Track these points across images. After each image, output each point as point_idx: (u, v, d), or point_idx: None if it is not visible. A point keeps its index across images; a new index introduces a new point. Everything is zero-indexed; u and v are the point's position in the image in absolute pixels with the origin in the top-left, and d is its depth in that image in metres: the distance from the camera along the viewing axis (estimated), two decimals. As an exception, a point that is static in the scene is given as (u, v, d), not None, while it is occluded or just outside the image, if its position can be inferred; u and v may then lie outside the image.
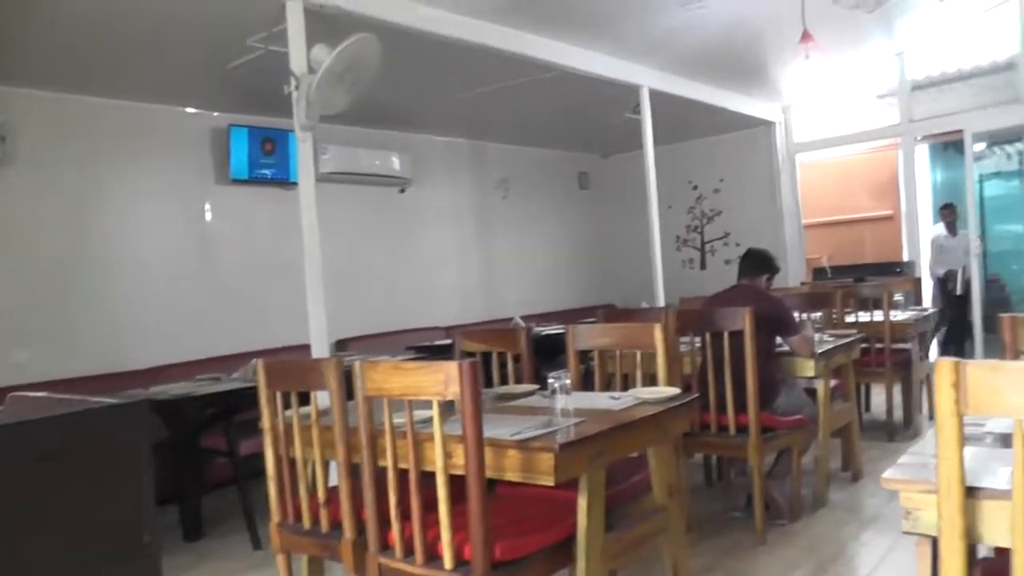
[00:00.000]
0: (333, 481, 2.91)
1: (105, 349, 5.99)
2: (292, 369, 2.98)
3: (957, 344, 8.80)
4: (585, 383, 4.08)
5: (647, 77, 7.37)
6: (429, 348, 6.62)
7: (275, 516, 3.11)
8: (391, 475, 2.55)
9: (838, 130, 9.84)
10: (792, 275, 9.65)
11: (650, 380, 3.53)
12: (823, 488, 4.75)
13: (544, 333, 6.60)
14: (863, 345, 5.70)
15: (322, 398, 2.97)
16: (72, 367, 5.72)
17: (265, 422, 3.06)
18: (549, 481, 2.43)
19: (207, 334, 6.56)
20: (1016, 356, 2.74)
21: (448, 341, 6.01)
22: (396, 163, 7.96)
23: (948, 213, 9.07)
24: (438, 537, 2.47)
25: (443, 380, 2.38)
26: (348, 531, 2.80)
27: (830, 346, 4.75)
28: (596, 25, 6.28)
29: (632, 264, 10.20)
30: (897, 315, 6.38)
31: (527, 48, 6.09)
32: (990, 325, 7.69)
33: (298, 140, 4.57)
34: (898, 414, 6.40)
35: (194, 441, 4.89)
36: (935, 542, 1.77)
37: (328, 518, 2.92)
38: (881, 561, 3.87)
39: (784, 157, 9.97)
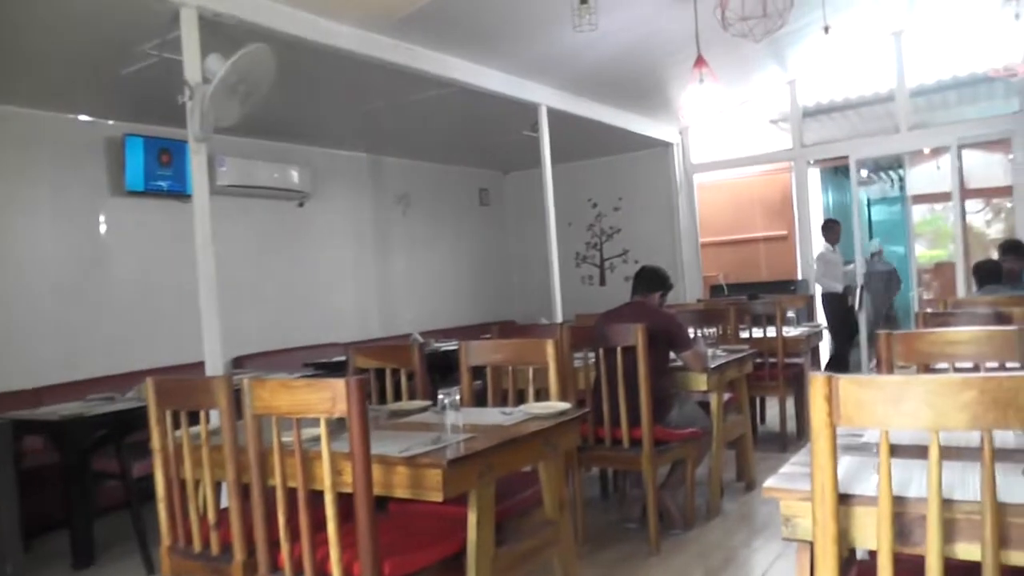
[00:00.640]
0: (226, 503, 2.84)
1: (-11, 369, 5.73)
2: (182, 388, 2.89)
3: (844, 358, 9.10)
4: (479, 399, 4.09)
5: (545, 96, 7.45)
6: (326, 365, 6.55)
7: (165, 540, 3.01)
8: (280, 494, 2.51)
9: (734, 152, 10.15)
10: (689, 292, 9.88)
11: (543, 395, 3.56)
12: (717, 498, 4.87)
13: (442, 350, 6.60)
14: (757, 360, 5.88)
15: (214, 417, 2.90)
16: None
17: (155, 442, 2.96)
18: (437, 497, 2.42)
19: (102, 352, 6.33)
20: (891, 371, 2.86)
21: (345, 358, 5.96)
22: (295, 176, 7.86)
23: (830, 228, 9.34)
24: (328, 556, 2.43)
25: (331, 398, 2.35)
26: (238, 553, 2.73)
27: (723, 361, 4.88)
28: (494, 42, 6.33)
29: (532, 280, 10.30)
30: (790, 331, 6.61)
31: (425, 63, 6.10)
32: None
33: (192, 152, 4.47)
34: (792, 426, 6.59)
35: (85, 463, 4.70)
36: (813, 547, 1.83)
37: (219, 540, 2.84)
38: (770, 566, 4.00)
39: (681, 177, 10.21)
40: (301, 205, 8.13)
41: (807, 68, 9.07)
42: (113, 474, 4.71)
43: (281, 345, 7.67)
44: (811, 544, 1.81)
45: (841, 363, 8.92)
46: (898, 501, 1.78)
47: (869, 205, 13.47)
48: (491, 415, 3.12)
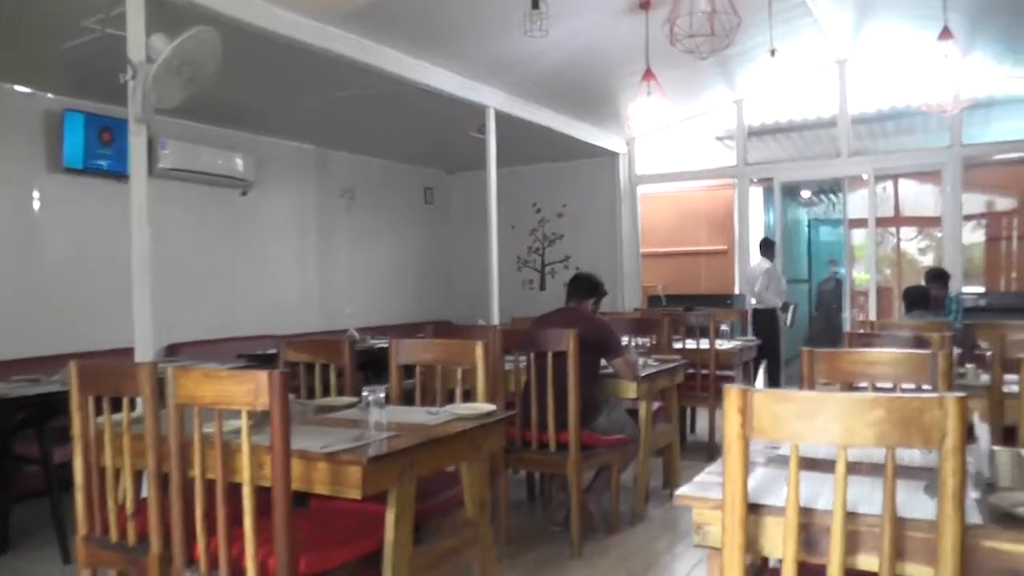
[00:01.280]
0: (146, 493, 2.79)
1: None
2: (106, 373, 2.82)
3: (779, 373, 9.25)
4: (409, 398, 4.09)
5: (494, 99, 7.49)
6: (261, 357, 6.47)
7: (82, 528, 2.95)
8: (199, 487, 2.48)
9: (680, 166, 10.29)
10: (628, 301, 9.99)
11: (472, 397, 3.57)
12: (641, 504, 4.94)
13: (377, 347, 6.57)
14: (689, 371, 5.97)
15: (139, 405, 2.85)
16: None
17: (75, 429, 2.89)
18: (356, 494, 2.42)
19: (31, 333, 6.14)
20: (813, 387, 2.93)
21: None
22: (239, 164, 7.76)
23: (770, 246, 9.49)
24: (244, 551, 2.41)
25: (254, 390, 2.32)
26: (155, 545, 2.68)
27: (654, 370, 4.95)
28: (446, 42, 6.34)
29: (473, 281, 10.31)
30: (723, 344, 6.72)
31: (376, 59, 6.07)
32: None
33: (131, 132, 4.39)
34: (720, 436, 6.66)
35: (5, 447, 4.58)
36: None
37: (136, 531, 2.79)
38: (690, 571, 4.09)
39: (626, 187, 10.33)
40: (244, 194, 8.03)
41: (754, 89, 9.25)
42: (34, 459, 4.60)
43: (218, 335, 7.56)
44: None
45: (777, 377, 9.08)
46: (806, 512, 1.84)
47: (811, 226, 13.74)
48: (417, 414, 3.13)
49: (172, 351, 6.97)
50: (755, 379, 2.78)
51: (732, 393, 1.73)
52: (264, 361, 6.18)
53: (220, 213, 7.86)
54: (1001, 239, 10.41)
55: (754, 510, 1.88)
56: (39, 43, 5.43)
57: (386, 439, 2.65)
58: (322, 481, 2.50)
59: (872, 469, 2.13)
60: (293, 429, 2.35)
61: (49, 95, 6.41)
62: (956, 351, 4.40)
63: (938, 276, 6.51)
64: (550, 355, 4.24)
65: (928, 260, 12.01)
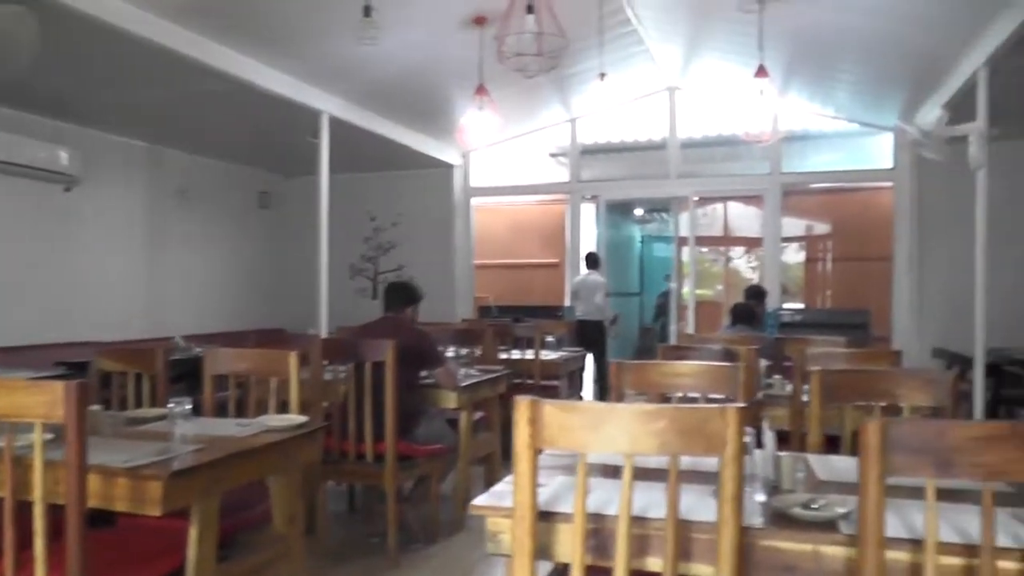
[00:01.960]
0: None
1: None
2: None
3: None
4: (224, 410, 3.98)
5: (329, 104, 7.39)
6: (80, 365, 6.12)
7: None
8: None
9: (515, 180, 10.48)
10: (460, 312, 10.05)
11: (287, 408, 3.51)
12: (461, 513, 4.96)
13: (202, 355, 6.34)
14: (515, 381, 6.06)
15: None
16: None
17: None
18: (156, 511, 2.32)
19: None
20: (622, 398, 3.04)
21: (93, 359, 5.61)
22: (64, 158, 7.23)
23: (597, 259, 9.77)
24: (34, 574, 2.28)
25: (49, 402, 2.21)
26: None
27: (475, 380, 5.00)
28: (281, 44, 6.22)
29: (307, 289, 10.09)
30: (549, 355, 6.86)
31: (209, 56, 5.89)
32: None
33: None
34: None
35: None
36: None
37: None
38: (506, 580, 4.12)
39: (461, 199, 10.43)
40: (68, 190, 7.51)
41: (588, 109, 9.54)
42: None
43: (36, 340, 7.09)
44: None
45: (607, 387, 9.32)
46: (598, 518, 1.92)
47: (644, 242, 14.24)
48: (227, 427, 3.04)
49: (-22, 357, 6.51)
50: (581, 389, 2.86)
51: (522, 405, 1.78)
52: (82, 369, 5.85)
53: (40, 209, 7.38)
54: (818, 260, 11.08)
55: (547, 517, 1.95)
56: None
57: (191, 452, 2.57)
58: (122, 497, 2.39)
59: (664, 475, 2.23)
60: (98, 443, 2.26)
61: None
62: (765, 363, 4.69)
63: (756, 293, 6.87)
64: (369, 365, 4.22)
65: (756, 278, 12.67)
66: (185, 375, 5.77)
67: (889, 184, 9.30)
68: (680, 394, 3.17)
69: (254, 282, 10.31)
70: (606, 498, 1.99)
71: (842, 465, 2.52)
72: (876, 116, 8.91)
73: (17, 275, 7.15)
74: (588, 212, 10.52)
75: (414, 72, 7.22)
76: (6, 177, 6.91)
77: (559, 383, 6.75)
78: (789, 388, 4.18)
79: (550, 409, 1.78)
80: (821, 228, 11.04)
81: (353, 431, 4.30)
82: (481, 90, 6.41)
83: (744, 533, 1.86)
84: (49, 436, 2.35)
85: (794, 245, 11.20)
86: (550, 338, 7.30)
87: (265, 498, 3.13)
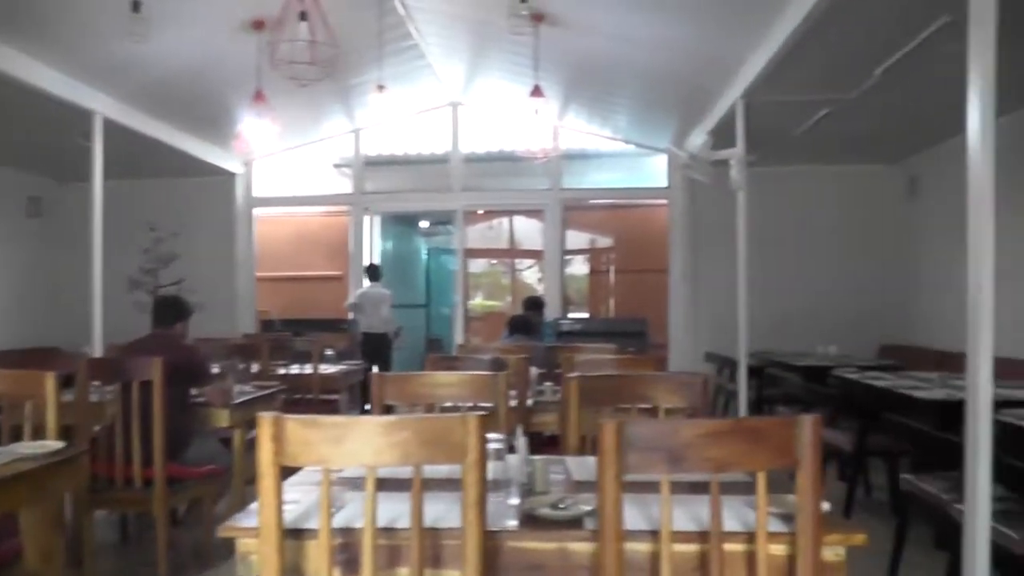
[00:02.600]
0: None
1: None
2: None
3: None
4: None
5: (102, 104, 6.96)
6: None
7: None
8: None
9: (299, 190, 10.29)
10: (242, 326, 9.74)
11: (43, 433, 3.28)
12: (236, 536, 4.81)
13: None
14: (295, 396, 5.95)
15: None
16: None
17: None
18: None
19: None
20: (382, 410, 3.05)
21: None
22: None
23: (377, 270, 9.78)
24: None
25: None
26: None
27: (249, 397, 4.87)
28: (49, 37, 5.79)
29: (83, 304, 9.46)
30: (328, 368, 6.75)
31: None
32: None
33: None
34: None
35: None
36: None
37: None
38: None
39: (243, 209, 10.13)
40: None
41: (372, 120, 9.51)
42: None
43: None
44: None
45: None
46: (348, 532, 1.92)
47: (430, 255, 14.31)
48: (-34, 456, 2.81)
49: None
50: (366, 403, 2.85)
51: (264, 422, 1.76)
52: None
53: None
54: (601, 272, 11.57)
55: (297, 535, 1.94)
56: None
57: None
58: None
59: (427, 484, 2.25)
60: None
61: None
62: (537, 371, 4.83)
63: (533, 304, 7.09)
64: (136, 385, 4.02)
65: (542, 289, 13.04)
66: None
67: (664, 201, 9.90)
68: (451, 404, 3.22)
69: (24, 297, 9.53)
70: (360, 512, 1.99)
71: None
72: (651, 138, 9.45)
73: None
74: (374, 224, 10.50)
75: (192, 75, 6.95)
76: None
77: (339, 397, 6.66)
78: (560, 394, 4.32)
79: (293, 425, 1.77)
80: (604, 242, 11.56)
81: (120, 455, 4.06)
82: (259, 97, 6.26)
83: (492, 536, 1.92)
84: None
85: (580, 257, 11.66)
86: (330, 351, 7.19)
87: (12, 533, 2.90)
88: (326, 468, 1.77)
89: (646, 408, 3.13)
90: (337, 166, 10.41)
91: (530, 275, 13.87)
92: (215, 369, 4.91)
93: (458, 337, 9.92)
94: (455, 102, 9.66)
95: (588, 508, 2.02)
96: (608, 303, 11.43)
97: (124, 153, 7.51)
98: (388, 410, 3.11)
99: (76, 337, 9.09)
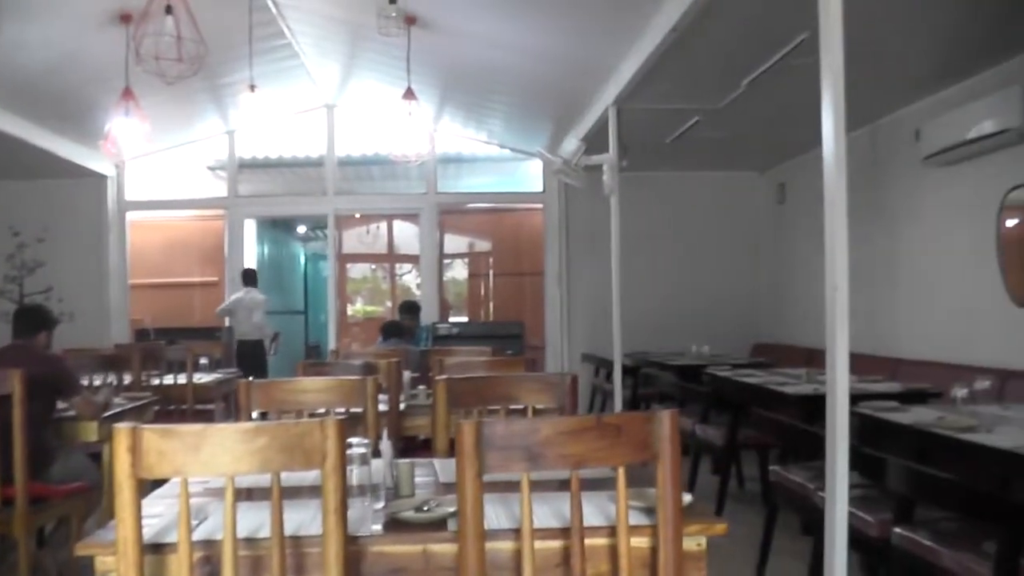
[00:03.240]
0: None
1: None
2: None
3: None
4: None
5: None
6: None
7: None
8: None
9: (171, 193, 10.00)
10: (115, 335, 9.39)
11: None
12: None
13: None
14: (169, 407, 5.79)
15: None
16: None
17: None
18: None
19: None
20: (249, 418, 3.02)
21: None
22: None
23: (253, 275, 9.58)
24: None
25: None
26: None
27: (119, 409, 4.71)
28: None
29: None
30: (202, 377, 6.60)
31: None
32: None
33: None
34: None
35: None
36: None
37: None
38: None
39: (114, 213, 9.75)
40: None
41: (246, 122, 9.31)
42: None
43: None
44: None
45: None
46: (210, 544, 1.90)
47: (307, 261, 14.13)
48: None
49: None
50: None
51: (120, 433, 1.72)
52: None
53: None
54: (480, 276, 11.64)
55: (157, 549, 1.91)
56: None
57: None
58: None
59: (295, 492, 2.26)
60: None
61: None
62: (411, 375, 4.84)
63: (408, 308, 7.10)
64: (-7, 400, 3.83)
65: (421, 294, 13.05)
66: None
67: (540, 206, 10.05)
68: (323, 410, 3.21)
69: None
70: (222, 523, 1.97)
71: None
72: (526, 143, 9.57)
73: None
74: (249, 228, 10.30)
75: (55, 69, 6.65)
76: None
77: (214, 407, 6.52)
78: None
79: (149, 435, 1.73)
80: (482, 246, 11.64)
81: (-23, 475, 3.87)
82: (128, 94, 6.03)
83: (354, 541, 1.93)
84: None
85: (459, 261, 11.71)
86: (204, 360, 7.02)
87: None
88: (184, 479, 1.74)
89: (517, 409, 3.18)
90: (211, 168, 10.15)
91: (410, 279, 13.87)
92: (96, 382, 4.74)
93: (332, 343, 9.81)
94: (329, 104, 9.56)
95: (452, 509, 2.03)
96: (487, 307, 11.52)
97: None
98: (264, 419, 3.08)
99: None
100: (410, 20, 5.83)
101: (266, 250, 11.63)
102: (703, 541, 2.04)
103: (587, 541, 1.88)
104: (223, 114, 9.03)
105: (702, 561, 2.04)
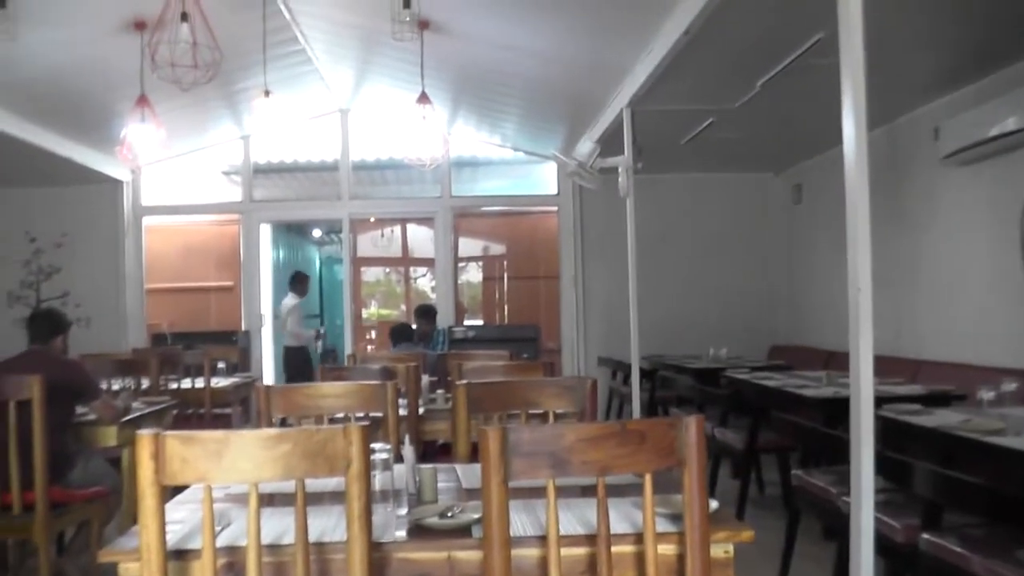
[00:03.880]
0: None
1: None
2: None
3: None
4: None
5: (-33, 107, 6.60)
6: None
7: None
8: None
9: (186, 198, 10.02)
10: (132, 340, 9.41)
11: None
12: (96, 556, 4.64)
13: None
14: (188, 411, 5.80)
15: None
16: None
17: None
18: None
19: None
20: (270, 423, 3.00)
21: None
22: None
23: (302, 281, 9.67)
24: None
25: None
26: None
27: (137, 414, 4.72)
28: None
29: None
30: (219, 382, 6.60)
31: None
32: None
33: None
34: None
35: None
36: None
37: None
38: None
39: (130, 218, 9.77)
40: None
41: (261, 127, 9.33)
42: None
43: None
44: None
45: None
46: (234, 551, 1.89)
47: (322, 265, 14.13)
48: None
49: None
50: None
51: (144, 439, 1.71)
52: None
53: None
54: (495, 279, 11.61)
55: (181, 556, 1.90)
56: None
57: None
58: None
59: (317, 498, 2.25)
60: None
61: None
62: (429, 379, 4.83)
63: (424, 313, 7.09)
64: (12, 405, 3.82)
65: (436, 297, 13.04)
66: None
67: (555, 208, 10.01)
68: (342, 415, 3.20)
69: None
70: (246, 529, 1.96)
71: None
72: (540, 146, 9.54)
73: None
74: (265, 233, 10.30)
75: (72, 77, 6.66)
76: None
77: (231, 411, 6.52)
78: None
79: (172, 442, 1.73)
80: (497, 249, 11.62)
81: (-3, 480, 3.87)
82: (143, 101, 6.05)
83: (379, 548, 1.92)
84: None
85: (474, 265, 11.69)
86: (221, 364, 7.02)
87: None
88: (207, 485, 1.73)
89: (537, 413, 3.16)
90: (226, 173, 10.16)
91: (425, 283, 13.85)
92: (115, 387, 4.74)
93: (349, 347, 9.81)
94: (344, 108, 9.56)
95: (476, 516, 2.02)
96: (502, 310, 11.49)
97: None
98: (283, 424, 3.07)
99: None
100: (423, 25, 5.81)
101: (281, 254, 11.63)
102: (730, 548, 2.02)
103: (613, 548, 1.85)
104: (238, 119, 9.05)
105: (730, 568, 2.02)
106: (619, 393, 8.78)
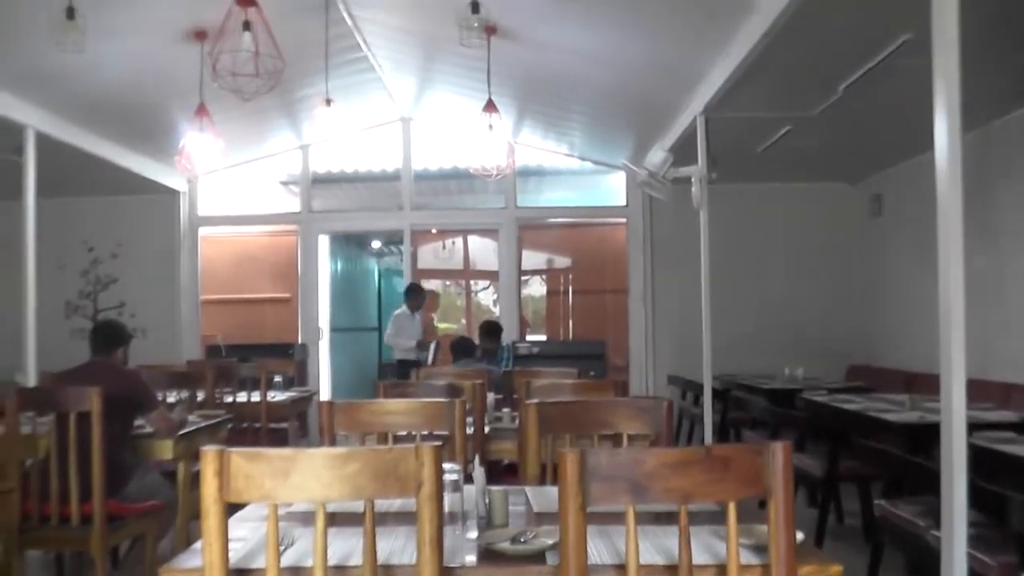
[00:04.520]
0: None
1: None
2: None
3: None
4: None
5: (35, 118, 6.59)
6: None
7: None
8: None
9: (243, 209, 10.03)
10: (187, 352, 9.39)
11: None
12: (181, 574, 4.55)
13: None
14: (243, 425, 5.72)
15: None
16: None
17: None
18: None
19: None
20: (333, 440, 2.89)
21: None
22: None
23: (416, 292, 9.46)
24: None
25: None
26: None
27: (193, 427, 4.63)
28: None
29: (15, 331, 9.06)
30: (276, 396, 6.51)
31: None
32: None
33: None
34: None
35: None
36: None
37: None
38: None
39: (186, 229, 9.80)
40: None
41: (320, 136, 9.30)
42: None
43: None
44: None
45: None
46: (298, 572, 1.83)
47: (380, 277, 14.06)
48: None
49: None
50: None
51: (208, 455, 1.65)
52: None
53: None
54: (559, 293, 11.44)
55: (244, 575, 1.83)
56: None
57: None
58: None
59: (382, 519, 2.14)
60: None
61: None
62: (495, 397, 4.68)
63: (489, 331, 6.95)
64: (73, 416, 3.77)
65: (498, 311, 12.88)
66: None
67: (623, 220, 9.79)
68: (404, 432, 3.08)
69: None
70: (310, 549, 1.86)
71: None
72: (608, 155, 9.36)
73: None
74: (323, 244, 10.25)
75: (131, 87, 6.68)
76: None
77: (287, 426, 6.42)
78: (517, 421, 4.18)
79: (237, 459, 1.65)
80: (561, 262, 11.44)
81: (56, 491, 3.78)
82: (202, 110, 6.03)
83: (449, 572, 1.83)
84: None
85: (537, 278, 11.53)
86: (278, 378, 6.93)
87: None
88: (272, 504, 1.64)
89: (608, 435, 3.01)
90: (284, 183, 10.15)
91: (485, 296, 13.71)
92: (170, 399, 4.67)
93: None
94: (406, 117, 9.48)
95: (550, 542, 1.94)
96: (566, 325, 11.31)
97: (58, 169, 7.18)
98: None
99: (8, 365, 8.67)
100: (490, 30, 5.71)
101: (339, 266, 11.59)
102: (817, 583, 1.88)
103: (694, 580, 1.73)
104: (297, 129, 9.04)
105: (815, 603, 1.88)
106: (689, 414, 8.49)
